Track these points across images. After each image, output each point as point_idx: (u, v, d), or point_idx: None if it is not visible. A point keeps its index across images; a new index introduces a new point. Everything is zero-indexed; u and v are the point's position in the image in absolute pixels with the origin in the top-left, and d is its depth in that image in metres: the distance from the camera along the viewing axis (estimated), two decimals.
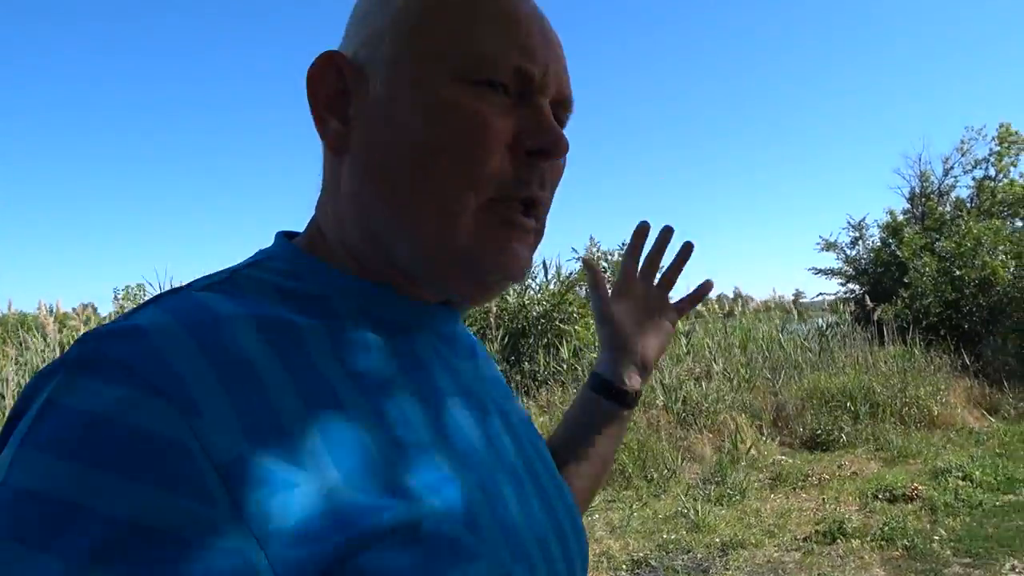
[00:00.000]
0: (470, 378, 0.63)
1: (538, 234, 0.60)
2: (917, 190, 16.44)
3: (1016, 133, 16.49)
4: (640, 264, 0.93)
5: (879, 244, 14.80)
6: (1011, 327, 10.66)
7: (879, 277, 13.89)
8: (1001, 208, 15.36)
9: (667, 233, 0.93)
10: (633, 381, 0.89)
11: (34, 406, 0.41)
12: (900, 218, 15.44)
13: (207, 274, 0.55)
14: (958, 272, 11.56)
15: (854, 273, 14.91)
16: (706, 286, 0.96)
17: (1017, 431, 7.54)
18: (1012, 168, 16.46)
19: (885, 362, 9.31)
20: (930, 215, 15.29)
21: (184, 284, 0.53)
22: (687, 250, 0.93)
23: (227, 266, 0.56)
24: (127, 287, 12.26)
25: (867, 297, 12.77)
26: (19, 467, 0.39)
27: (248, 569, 0.38)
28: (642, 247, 0.93)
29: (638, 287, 0.93)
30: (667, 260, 0.95)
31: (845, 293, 15.03)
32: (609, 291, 0.92)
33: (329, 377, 0.48)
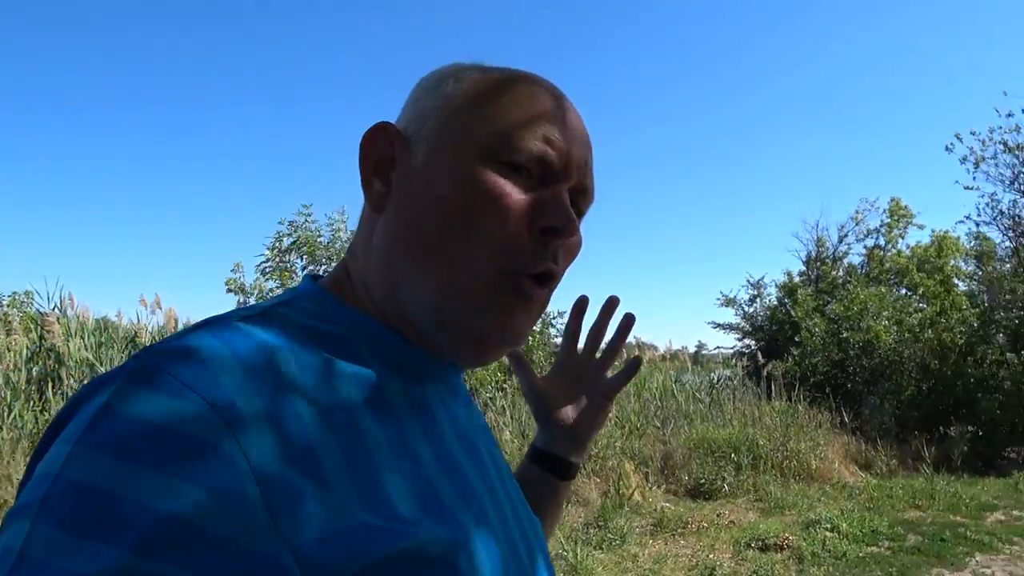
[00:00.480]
0: (466, 425, 0.68)
1: (542, 306, 0.64)
2: (813, 254, 17.38)
3: (905, 208, 17.65)
4: (581, 338, 0.95)
5: (775, 303, 15.48)
6: (889, 388, 11.25)
7: (774, 334, 14.51)
8: (888, 276, 16.32)
9: (611, 306, 0.93)
10: (562, 451, 0.90)
11: (88, 409, 0.44)
12: (796, 279, 16.27)
13: (242, 307, 0.59)
14: (845, 334, 12.16)
15: (750, 329, 15.54)
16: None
17: (886, 486, 7.91)
18: (900, 240, 17.59)
19: (770, 416, 9.61)
20: (824, 278, 16.14)
21: (224, 314, 0.57)
22: (628, 323, 0.94)
23: (260, 302, 0.61)
24: (14, 293, 11.66)
25: (759, 353, 13.26)
26: (74, 462, 0.41)
27: (279, 570, 0.41)
28: (580, 323, 0.95)
29: (577, 362, 0.95)
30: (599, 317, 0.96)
31: (742, 348, 15.58)
32: (533, 367, 0.94)
33: (351, 410, 0.53)
